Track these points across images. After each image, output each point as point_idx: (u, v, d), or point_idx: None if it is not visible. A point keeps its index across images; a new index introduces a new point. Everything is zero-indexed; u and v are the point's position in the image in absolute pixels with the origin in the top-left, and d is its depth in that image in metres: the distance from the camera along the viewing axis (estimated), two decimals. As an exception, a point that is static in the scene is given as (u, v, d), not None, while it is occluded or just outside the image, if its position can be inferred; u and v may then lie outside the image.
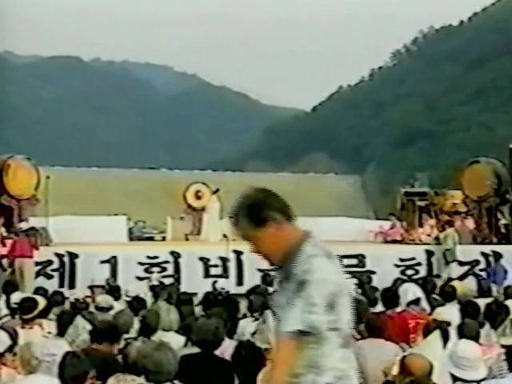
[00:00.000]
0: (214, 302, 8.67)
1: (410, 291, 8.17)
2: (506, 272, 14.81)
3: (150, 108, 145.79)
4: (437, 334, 5.82)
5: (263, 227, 3.22)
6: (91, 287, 11.40)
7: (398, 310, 7.79)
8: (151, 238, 23.98)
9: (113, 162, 62.34)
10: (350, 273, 14.32)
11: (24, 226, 14.85)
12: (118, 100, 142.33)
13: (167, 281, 13.30)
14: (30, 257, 13.82)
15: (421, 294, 8.26)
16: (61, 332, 6.50)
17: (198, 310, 8.82)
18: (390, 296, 8.07)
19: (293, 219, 3.30)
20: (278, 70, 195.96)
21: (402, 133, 77.05)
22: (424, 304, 8.22)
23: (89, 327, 6.48)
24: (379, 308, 8.11)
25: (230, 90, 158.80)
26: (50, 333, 6.69)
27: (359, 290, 10.53)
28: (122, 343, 5.95)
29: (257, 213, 3.23)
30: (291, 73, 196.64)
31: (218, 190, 20.08)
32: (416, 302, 7.99)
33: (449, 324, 6.39)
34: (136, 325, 6.87)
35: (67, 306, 9.29)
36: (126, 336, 6.40)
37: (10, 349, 5.36)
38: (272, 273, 13.25)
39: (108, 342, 5.70)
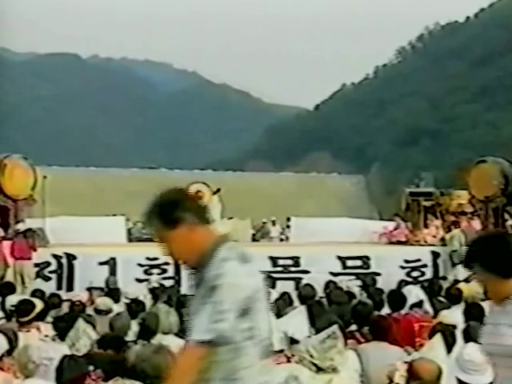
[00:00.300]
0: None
1: (413, 293, 8.18)
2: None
3: (150, 106, 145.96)
4: (439, 337, 5.81)
5: (174, 228, 3.11)
6: (89, 289, 11.39)
7: (403, 312, 7.79)
8: (151, 239, 23.82)
9: (111, 162, 62.43)
10: (354, 274, 14.33)
11: (21, 227, 14.85)
12: (116, 98, 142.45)
13: (167, 283, 13.28)
14: (29, 258, 13.85)
15: (423, 296, 8.25)
16: (61, 335, 6.51)
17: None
18: (396, 298, 8.07)
19: (209, 223, 3.20)
20: (280, 67, 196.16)
21: (407, 132, 77.06)
22: (427, 306, 8.22)
23: (90, 330, 6.48)
24: (384, 310, 8.11)
25: (231, 88, 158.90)
26: (47, 336, 6.70)
27: (363, 292, 10.54)
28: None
29: (168, 213, 3.12)
30: (293, 71, 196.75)
31: (219, 190, 20.08)
32: (419, 304, 8.00)
33: (455, 327, 6.38)
34: (135, 328, 6.87)
35: (65, 308, 9.29)
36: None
37: (9, 353, 5.36)
38: (277, 275, 13.30)
39: (113, 350, 5.71)
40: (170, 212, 3.13)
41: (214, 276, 2.96)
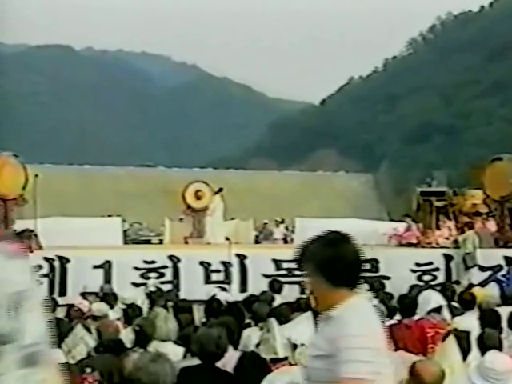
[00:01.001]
0: (215, 309, 8.67)
1: (432, 299, 8.15)
2: (530, 277, 14.76)
3: (147, 101, 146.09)
4: (452, 343, 5.79)
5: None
6: (83, 294, 11.40)
7: (416, 318, 7.77)
8: (148, 241, 24.02)
9: (107, 160, 62.44)
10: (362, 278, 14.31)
11: (17, 227, 14.85)
12: (112, 92, 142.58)
13: (165, 287, 13.30)
14: (27, 261, 13.81)
15: (443, 301, 8.23)
16: (57, 341, 6.51)
17: (198, 319, 8.81)
18: (408, 303, 8.05)
19: None
20: (284, 60, 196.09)
21: (418, 128, 77.04)
22: (445, 313, 8.19)
23: (88, 338, 6.48)
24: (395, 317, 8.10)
25: (233, 82, 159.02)
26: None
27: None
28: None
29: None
30: (298, 63, 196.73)
31: (221, 190, 20.09)
32: (438, 310, 7.96)
33: (469, 334, 6.36)
34: (131, 335, 6.87)
35: (60, 314, 9.29)
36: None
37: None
38: (281, 279, 13.29)
39: (112, 354, 5.71)
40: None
41: None
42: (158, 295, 10.75)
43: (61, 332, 6.65)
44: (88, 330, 6.96)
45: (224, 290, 12.40)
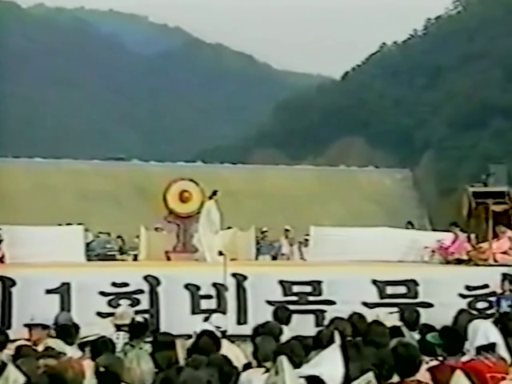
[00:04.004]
0: (205, 346, 8.71)
1: (481, 331, 8.17)
2: None
3: (117, 74, 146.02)
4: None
5: None
6: (29, 326, 11.40)
7: (465, 358, 7.80)
8: (118, 258, 24.06)
9: (64, 151, 62.52)
10: (395, 305, 14.35)
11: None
12: (71, 62, 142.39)
13: (140, 317, 13.32)
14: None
15: (498, 336, 8.25)
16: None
17: (182, 358, 8.86)
18: (453, 338, 8.08)
19: None
20: (295, 21, 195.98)
21: (471, 110, 76.97)
22: (502, 351, 8.21)
23: (21, 381, 6.51)
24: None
25: (229, 50, 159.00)
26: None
27: (407, 330, 10.56)
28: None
29: None
30: (313, 26, 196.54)
31: (215, 193, 20.07)
32: (490, 347, 7.98)
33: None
34: (93, 379, 6.91)
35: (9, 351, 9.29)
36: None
37: None
38: (290, 306, 13.31)
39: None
40: None
41: None
42: (131, 328, 10.76)
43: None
44: (23, 372, 6.95)
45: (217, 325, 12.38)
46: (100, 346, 8.53)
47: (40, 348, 9.41)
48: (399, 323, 11.01)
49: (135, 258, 22.70)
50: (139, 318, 11.79)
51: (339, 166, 51.35)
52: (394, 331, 9.77)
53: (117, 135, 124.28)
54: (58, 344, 8.84)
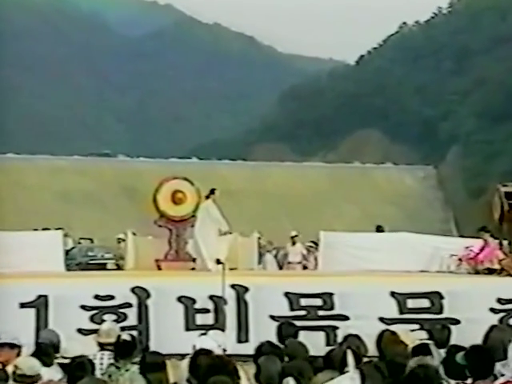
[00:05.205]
0: (201, 367, 8.67)
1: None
2: None
3: (101, 58, 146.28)
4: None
5: None
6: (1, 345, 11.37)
7: (499, 382, 7.73)
8: (102, 267, 24.10)
9: (41, 146, 62.64)
10: (417, 321, 14.29)
11: None
12: (46, 46, 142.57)
13: (127, 335, 13.26)
14: None
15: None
16: None
17: (175, 380, 8.84)
18: (482, 359, 8.02)
19: None
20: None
21: (503, 99, 76.92)
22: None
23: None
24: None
25: (228, 31, 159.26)
26: None
27: (433, 349, 10.49)
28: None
29: None
30: (323, 3, 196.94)
31: (213, 192, 20.10)
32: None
33: None
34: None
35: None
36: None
37: None
38: (297, 322, 13.28)
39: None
40: None
41: None
42: (116, 347, 10.73)
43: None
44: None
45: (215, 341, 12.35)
46: (74, 368, 8.49)
47: (9, 369, 9.41)
48: (420, 341, 10.96)
49: (121, 268, 22.68)
50: (126, 336, 11.77)
51: (353, 163, 51.45)
52: (419, 351, 9.68)
53: (100, 128, 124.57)
54: (30, 365, 8.77)
